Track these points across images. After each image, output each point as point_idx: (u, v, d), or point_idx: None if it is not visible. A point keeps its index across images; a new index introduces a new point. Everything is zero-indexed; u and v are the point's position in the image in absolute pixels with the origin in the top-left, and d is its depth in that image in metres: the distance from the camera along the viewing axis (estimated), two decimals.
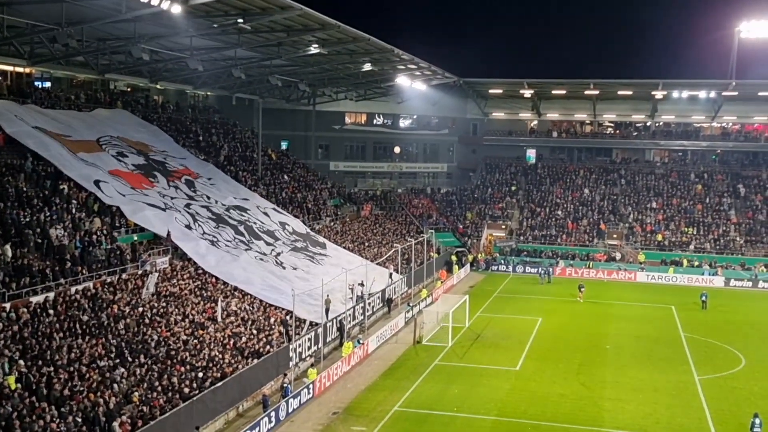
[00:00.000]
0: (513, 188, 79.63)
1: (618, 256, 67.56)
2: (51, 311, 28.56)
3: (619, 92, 76.61)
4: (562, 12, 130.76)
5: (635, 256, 67.06)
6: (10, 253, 30.22)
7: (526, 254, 68.63)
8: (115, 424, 24.28)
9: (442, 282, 57.21)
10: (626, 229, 71.14)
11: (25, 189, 35.43)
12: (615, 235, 70.52)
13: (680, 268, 63.66)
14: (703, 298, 52.44)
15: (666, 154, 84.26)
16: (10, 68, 45.46)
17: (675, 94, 74.89)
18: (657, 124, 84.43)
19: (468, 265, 65.55)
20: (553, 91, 79.48)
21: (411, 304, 48.35)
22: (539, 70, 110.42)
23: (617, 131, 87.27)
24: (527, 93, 78.73)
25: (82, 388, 25.19)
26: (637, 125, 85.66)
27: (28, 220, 33.03)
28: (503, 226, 73.48)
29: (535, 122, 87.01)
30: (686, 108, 78.74)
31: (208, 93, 65.48)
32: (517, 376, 36.25)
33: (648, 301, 55.14)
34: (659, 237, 69.41)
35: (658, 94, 74.85)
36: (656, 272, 63.55)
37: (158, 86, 56.75)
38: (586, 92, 76.25)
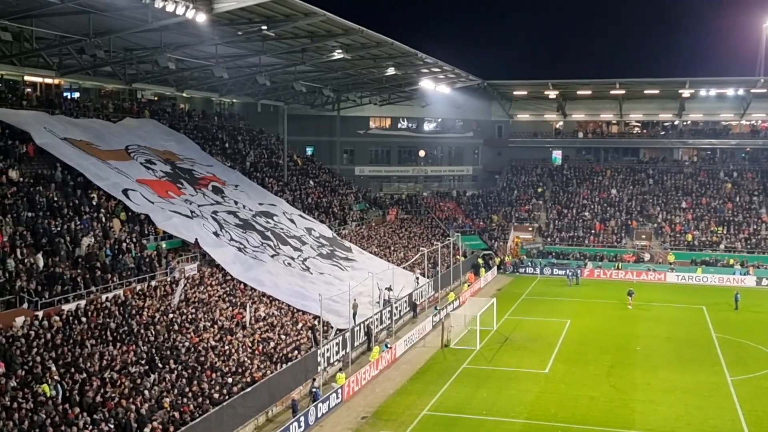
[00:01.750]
0: (539, 190, 79.18)
1: (647, 256, 66.83)
2: (83, 319, 28.92)
3: (646, 91, 75.82)
4: (585, 12, 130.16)
5: (665, 257, 66.31)
6: (41, 262, 30.67)
7: (553, 256, 68.22)
8: (147, 429, 24.55)
9: (469, 285, 57.05)
10: (655, 230, 70.40)
11: (55, 199, 35.95)
12: (644, 236, 69.76)
13: (710, 268, 62.85)
14: (737, 297, 51.73)
15: (694, 152, 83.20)
16: (39, 80, 46.19)
17: (702, 92, 73.83)
18: (685, 123, 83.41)
19: (495, 267, 65.33)
20: (579, 92, 78.85)
21: (438, 308, 48.28)
22: (564, 71, 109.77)
23: (644, 131, 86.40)
24: (552, 94, 78.30)
25: (114, 395, 25.45)
26: (665, 124, 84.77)
27: (59, 229, 33.49)
28: (530, 228, 73.09)
29: (561, 123, 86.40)
30: (714, 106, 77.65)
31: (234, 100, 65.96)
32: (547, 379, 36.03)
33: (678, 302, 54.51)
34: (689, 237, 68.54)
35: (686, 93, 73.94)
36: (686, 273, 62.80)
37: (184, 95, 57.29)
38: (612, 92, 75.62)
